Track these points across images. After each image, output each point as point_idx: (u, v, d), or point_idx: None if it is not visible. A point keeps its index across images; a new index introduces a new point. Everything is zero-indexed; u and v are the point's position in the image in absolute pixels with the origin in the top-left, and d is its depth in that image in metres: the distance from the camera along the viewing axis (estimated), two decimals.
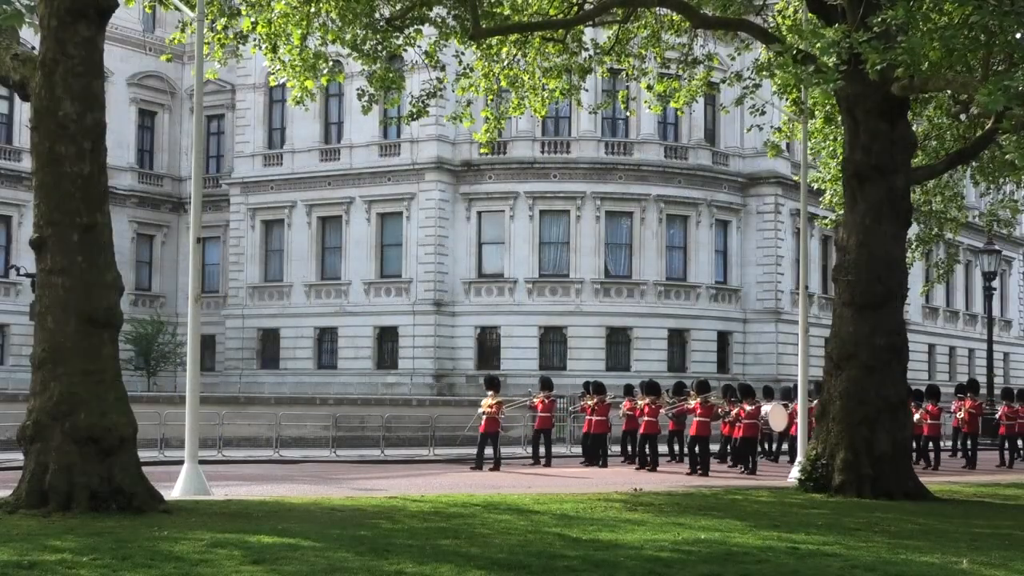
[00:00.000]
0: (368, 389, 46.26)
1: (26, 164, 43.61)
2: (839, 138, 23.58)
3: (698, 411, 24.76)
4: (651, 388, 26.05)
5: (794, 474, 21.30)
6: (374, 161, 50.11)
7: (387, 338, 49.80)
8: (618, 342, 48.36)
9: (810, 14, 20.52)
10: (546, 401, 26.62)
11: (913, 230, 27.35)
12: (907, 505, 17.71)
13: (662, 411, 26.15)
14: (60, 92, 14.23)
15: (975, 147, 23.14)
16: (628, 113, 38.19)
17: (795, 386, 28.75)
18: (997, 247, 44.04)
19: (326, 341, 51.35)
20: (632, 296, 48.57)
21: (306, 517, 14.09)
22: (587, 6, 22.73)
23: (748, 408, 25.63)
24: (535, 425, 27.07)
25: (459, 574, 10.07)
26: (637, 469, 25.47)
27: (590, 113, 39.28)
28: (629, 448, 27.38)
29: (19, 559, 10.16)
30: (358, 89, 23.38)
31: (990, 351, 42.66)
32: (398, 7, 21.96)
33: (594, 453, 26.59)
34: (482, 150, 33.88)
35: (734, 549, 11.87)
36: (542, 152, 48.59)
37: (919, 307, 57.60)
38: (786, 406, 27.44)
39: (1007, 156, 23.28)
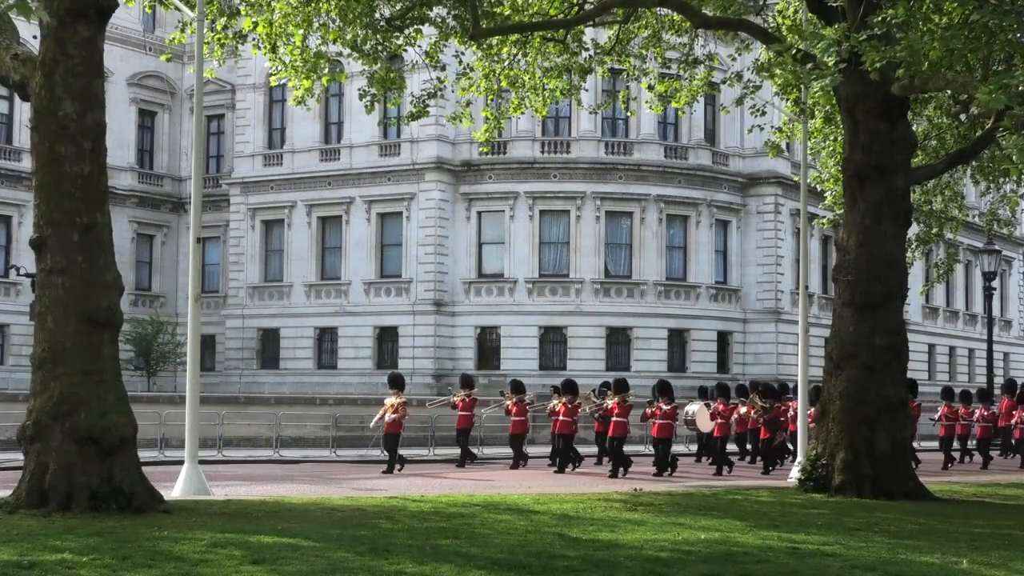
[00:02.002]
0: (368, 389, 46.19)
1: (26, 164, 43.60)
2: (839, 138, 23.56)
3: (616, 411, 23.75)
4: (568, 388, 25.05)
5: (794, 474, 21.29)
6: (374, 161, 50.11)
7: (387, 338, 49.81)
8: (618, 342, 48.37)
9: (810, 14, 20.52)
10: (466, 400, 25.95)
11: (913, 230, 27.33)
12: (907, 505, 17.70)
13: (587, 411, 25.48)
14: (60, 92, 14.23)
15: (975, 147, 23.14)
16: (628, 113, 38.20)
17: (716, 386, 27.98)
18: (997, 247, 44.05)
19: (326, 341, 51.35)
20: (632, 296, 48.57)
21: (306, 517, 14.09)
22: (587, 6, 22.73)
23: (664, 408, 24.48)
24: (456, 425, 26.15)
25: (459, 574, 10.06)
26: (554, 470, 24.48)
27: (590, 113, 39.29)
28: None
29: (19, 559, 10.16)
30: (359, 89, 23.37)
31: (990, 351, 42.66)
32: (398, 7, 21.96)
33: (518, 453, 25.66)
34: (481, 149, 33.95)
35: (734, 549, 11.87)
36: (542, 152, 48.60)
37: (919, 307, 57.60)
38: (708, 406, 26.42)
39: (1007, 152, 23.28)
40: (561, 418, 24.64)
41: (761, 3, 24.16)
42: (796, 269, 44.15)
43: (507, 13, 22.34)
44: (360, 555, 10.88)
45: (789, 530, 13.66)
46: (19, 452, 14.91)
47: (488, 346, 48.79)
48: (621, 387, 24.33)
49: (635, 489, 19.40)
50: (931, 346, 59.94)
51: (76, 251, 14.16)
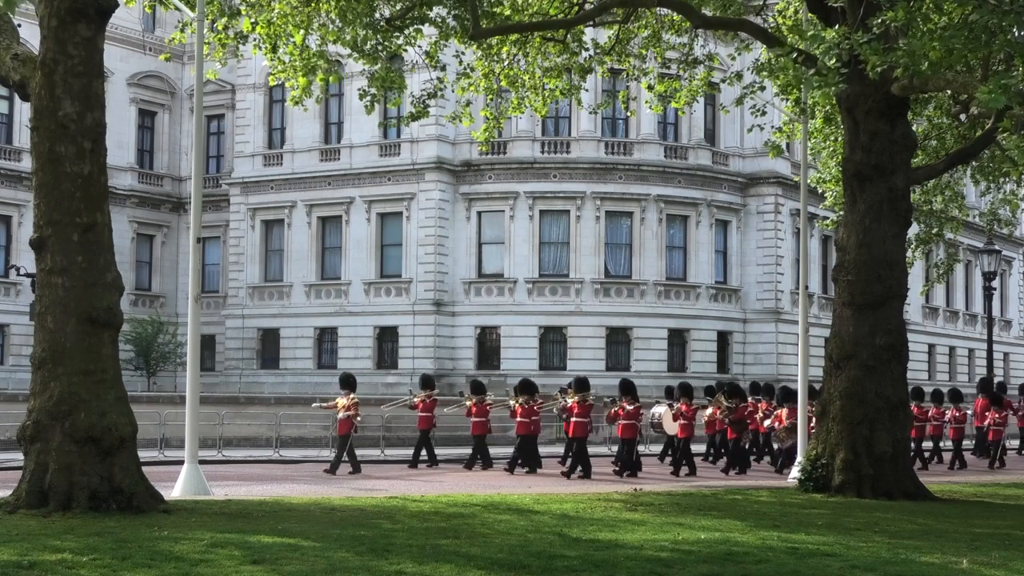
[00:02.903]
0: (368, 389, 46.06)
1: (26, 164, 43.62)
2: (839, 138, 23.57)
3: (576, 411, 23.18)
4: (525, 388, 24.32)
5: (794, 474, 21.30)
6: (374, 161, 50.12)
7: (387, 338, 49.81)
8: (618, 342, 48.37)
9: (810, 14, 20.52)
10: (427, 400, 25.39)
11: (913, 230, 27.32)
12: (907, 505, 17.70)
13: (554, 411, 24.58)
14: (60, 92, 14.23)
15: (975, 147, 23.14)
16: (628, 113, 38.20)
17: (679, 386, 26.66)
18: (997, 247, 44.02)
19: (326, 341, 51.35)
20: (632, 296, 48.58)
21: (306, 517, 14.09)
22: (587, 6, 22.74)
23: (628, 407, 23.68)
24: (417, 425, 25.60)
25: (459, 574, 10.06)
26: (507, 471, 23.68)
27: (590, 113, 39.33)
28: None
29: (19, 559, 10.16)
30: (359, 89, 23.40)
31: (990, 351, 42.65)
32: (398, 7, 21.97)
33: (475, 454, 24.94)
34: (481, 148, 33.94)
35: (734, 549, 11.86)
36: (542, 152, 48.61)
37: (919, 307, 57.61)
38: (671, 406, 25.74)
39: (1008, 152, 23.28)
40: (519, 419, 23.97)
41: (761, 3, 24.17)
42: (796, 269, 44.16)
43: (507, 13, 22.34)
44: (360, 555, 10.88)
45: (789, 530, 13.66)
46: (19, 452, 14.91)
47: (488, 346, 48.80)
48: (581, 386, 23.60)
49: (635, 489, 19.41)
50: (931, 346, 59.95)
51: (76, 251, 14.16)
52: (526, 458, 24.04)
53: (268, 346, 52.52)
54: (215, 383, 49.31)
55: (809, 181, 25.42)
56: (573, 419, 23.29)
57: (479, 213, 48.99)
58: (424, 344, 48.30)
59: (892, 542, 12.82)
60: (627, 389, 24.16)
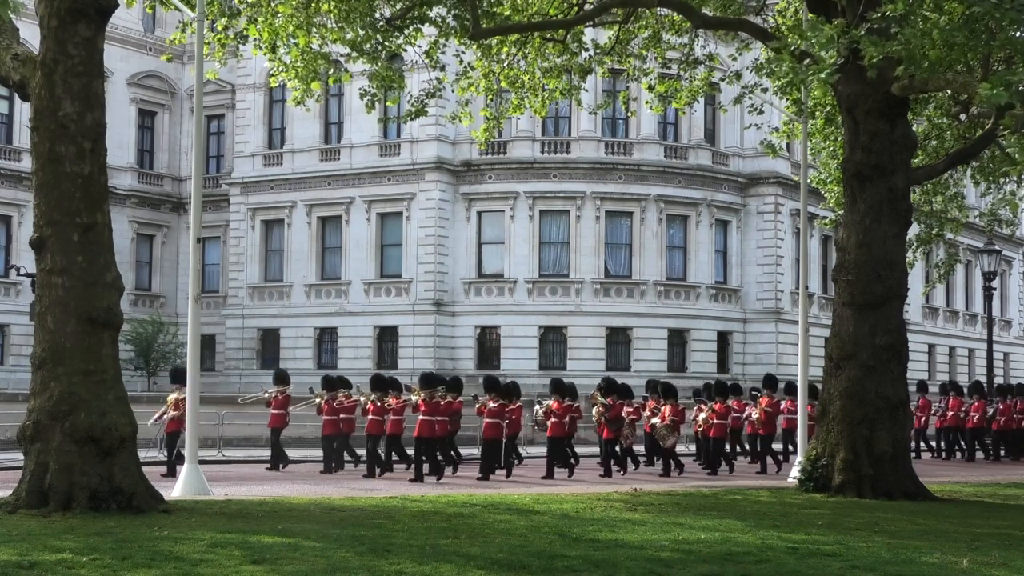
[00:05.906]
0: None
1: (26, 164, 43.60)
2: (839, 138, 23.57)
3: (422, 409, 21.60)
4: (376, 384, 23.08)
5: (794, 474, 21.30)
6: (374, 161, 50.13)
7: (387, 338, 49.82)
8: (618, 342, 48.37)
9: (810, 14, 20.51)
10: (279, 397, 24.01)
11: (913, 230, 27.31)
12: (907, 505, 17.70)
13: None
14: (60, 92, 14.23)
15: (975, 147, 23.14)
16: (628, 113, 38.21)
17: (551, 382, 24.79)
18: (997, 247, 44.04)
19: (326, 341, 51.36)
20: (632, 296, 48.59)
21: (306, 517, 14.09)
22: (587, 6, 22.76)
23: (492, 405, 22.55)
24: (268, 423, 24.44)
25: (459, 574, 10.06)
26: (365, 476, 22.40)
27: (590, 113, 39.36)
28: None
29: (19, 559, 10.16)
30: (360, 88, 23.41)
31: (990, 351, 42.66)
32: (398, 7, 22.00)
33: (328, 455, 23.76)
34: (479, 146, 33.92)
35: (734, 549, 11.86)
36: (542, 152, 48.62)
37: (919, 307, 57.60)
38: (540, 403, 24.69)
39: (1008, 150, 23.28)
40: (371, 416, 22.61)
41: (761, 3, 24.19)
42: (796, 269, 44.16)
43: (507, 13, 22.36)
44: (360, 555, 10.88)
45: (789, 530, 13.66)
46: (19, 452, 14.91)
47: (488, 346, 48.80)
48: (427, 382, 22.07)
49: (635, 489, 19.42)
50: (931, 346, 59.94)
51: (76, 251, 14.15)
52: (386, 459, 23.01)
53: (268, 346, 52.52)
54: (215, 383, 49.31)
55: (809, 181, 25.43)
56: (420, 417, 21.64)
57: (479, 213, 49.00)
58: (424, 344, 48.30)
59: (892, 542, 12.81)
60: (492, 386, 23.13)
